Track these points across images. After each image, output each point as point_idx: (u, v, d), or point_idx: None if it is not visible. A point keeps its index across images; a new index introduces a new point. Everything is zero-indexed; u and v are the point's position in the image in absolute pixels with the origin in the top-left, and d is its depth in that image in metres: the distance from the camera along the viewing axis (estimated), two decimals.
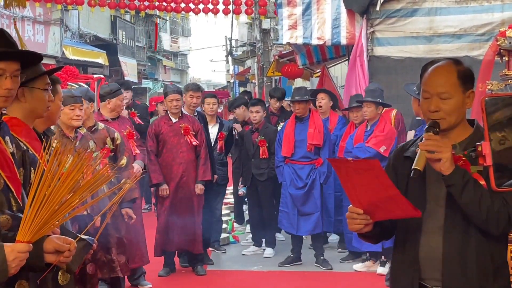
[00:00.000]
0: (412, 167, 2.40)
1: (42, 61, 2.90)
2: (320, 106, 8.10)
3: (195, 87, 7.62)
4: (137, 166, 6.52)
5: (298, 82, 17.84)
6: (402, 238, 2.64)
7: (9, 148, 2.48)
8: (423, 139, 2.44)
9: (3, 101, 2.47)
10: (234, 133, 8.59)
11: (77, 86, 8.31)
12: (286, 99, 9.70)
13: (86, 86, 6.49)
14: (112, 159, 5.84)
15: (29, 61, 2.58)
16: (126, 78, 22.55)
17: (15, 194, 2.42)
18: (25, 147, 2.79)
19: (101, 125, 5.93)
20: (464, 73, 2.55)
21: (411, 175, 2.40)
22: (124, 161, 5.85)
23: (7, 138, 2.52)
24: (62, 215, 2.16)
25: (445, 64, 2.57)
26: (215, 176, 7.62)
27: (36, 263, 2.26)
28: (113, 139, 5.83)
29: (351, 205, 2.50)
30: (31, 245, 2.16)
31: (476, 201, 2.40)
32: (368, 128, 6.93)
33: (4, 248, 2.13)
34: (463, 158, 2.45)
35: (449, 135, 2.55)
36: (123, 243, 5.81)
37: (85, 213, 4.97)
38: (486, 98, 2.32)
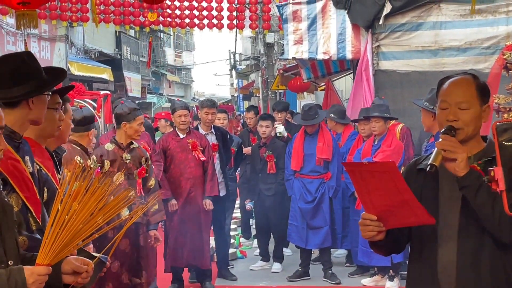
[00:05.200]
0: (428, 162, 2.43)
1: None
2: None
3: (210, 104, 7.53)
4: None
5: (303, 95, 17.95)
6: (418, 249, 2.64)
7: (28, 168, 2.50)
8: (440, 139, 2.48)
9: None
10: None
11: (84, 104, 8.34)
12: (294, 119, 9.64)
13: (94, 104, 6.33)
14: (142, 180, 5.86)
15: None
16: (129, 94, 22.61)
17: (34, 214, 2.44)
18: (38, 167, 2.81)
19: (136, 144, 5.91)
20: (482, 87, 2.62)
21: (427, 170, 2.43)
22: (152, 182, 5.81)
23: (27, 157, 2.53)
24: (81, 239, 2.17)
25: (463, 77, 2.65)
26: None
27: (54, 284, 2.27)
28: (146, 159, 5.80)
29: (364, 212, 2.51)
30: (50, 268, 2.18)
31: (489, 204, 2.40)
32: (376, 143, 6.92)
33: (24, 271, 2.14)
34: (477, 168, 2.48)
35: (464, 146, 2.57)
36: (151, 266, 5.81)
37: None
38: (498, 123, 2.34)
